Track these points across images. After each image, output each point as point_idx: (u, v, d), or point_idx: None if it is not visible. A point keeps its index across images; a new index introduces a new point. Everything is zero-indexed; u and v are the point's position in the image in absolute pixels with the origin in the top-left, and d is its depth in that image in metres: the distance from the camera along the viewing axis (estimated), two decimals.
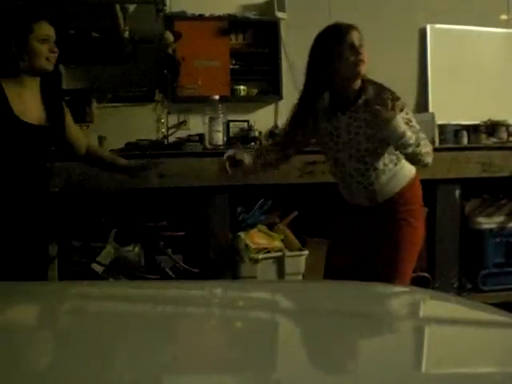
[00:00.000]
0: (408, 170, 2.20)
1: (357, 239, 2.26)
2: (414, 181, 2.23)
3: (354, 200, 2.23)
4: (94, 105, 3.47)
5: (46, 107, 2.20)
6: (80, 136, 2.41)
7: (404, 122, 2.01)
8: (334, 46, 2.03)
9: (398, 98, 2.01)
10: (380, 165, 2.13)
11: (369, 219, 2.22)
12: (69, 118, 2.33)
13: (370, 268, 2.20)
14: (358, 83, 2.09)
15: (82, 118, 3.35)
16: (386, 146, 2.10)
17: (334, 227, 2.38)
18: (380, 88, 2.10)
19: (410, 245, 2.18)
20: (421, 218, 2.25)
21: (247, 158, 2.18)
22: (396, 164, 2.16)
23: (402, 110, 2.02)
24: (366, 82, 2.11)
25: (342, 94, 2.11)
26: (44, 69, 2.14)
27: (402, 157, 2.13)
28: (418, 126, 2.09)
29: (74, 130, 2.36)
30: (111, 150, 3.18)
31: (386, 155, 2.13)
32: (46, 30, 2.14)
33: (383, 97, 2.00)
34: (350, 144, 2.12)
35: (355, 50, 2.01)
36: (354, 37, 2.03)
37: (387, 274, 2.14)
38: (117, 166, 2.45)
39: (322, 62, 2.06)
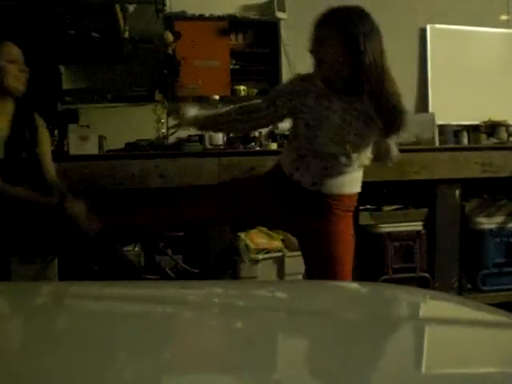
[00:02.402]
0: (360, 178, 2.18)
1: (268, 213, 2.20)
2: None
3: (297, 176, 2.13)
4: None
5: (13, 124, 2.23)
6: (49, 153, 2.42)
7: None
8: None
9: None
10: (354, 160, 2.09)
11: (299, 204, 2.14)
12: (41, 137, 2.35)
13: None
14: None
15: (75, 119, 3.37)
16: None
17: (257, 182, 2.30)
18: None
19: (345, 244, 2.16)
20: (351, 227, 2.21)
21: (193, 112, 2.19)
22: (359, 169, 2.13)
23: None
24: None
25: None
26: (14, 87, 2.17)
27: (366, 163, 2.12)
28: None
29: (45, 147, 2.37)
30: (111, 150, 3.19)
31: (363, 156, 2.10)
32: (13, 50, 2.18)
33: None
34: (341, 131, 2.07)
35: None
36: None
37: (320, 269, 2.13)
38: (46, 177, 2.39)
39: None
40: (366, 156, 2.11)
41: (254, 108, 2.14)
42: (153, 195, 2.93)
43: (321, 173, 2.09)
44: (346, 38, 1.96)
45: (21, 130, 2.25)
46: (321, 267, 2.13)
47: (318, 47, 1.99)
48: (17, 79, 2.16)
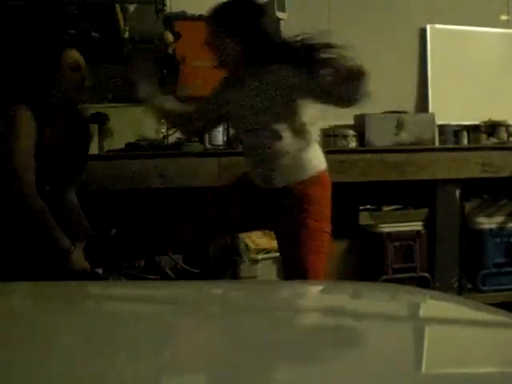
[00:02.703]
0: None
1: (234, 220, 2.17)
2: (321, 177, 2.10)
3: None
4: None
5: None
6: None
7: None
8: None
9: None
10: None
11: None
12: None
13: None
14: None
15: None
16: None
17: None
18: None
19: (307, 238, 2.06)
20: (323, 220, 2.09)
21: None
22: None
23: None
24: None
25: None
26: (76, 99, 2.13)
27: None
28: None
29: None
30: (111, 150, 3.19)
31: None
32: (76, 56, 2.12)
33: None
34: None
35: None
36: None
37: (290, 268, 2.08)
38: None
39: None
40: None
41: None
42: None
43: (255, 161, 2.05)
44: None
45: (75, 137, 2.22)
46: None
47: None
48: (78, 88, 2.12)
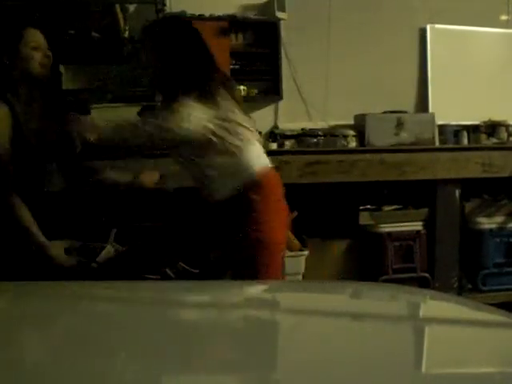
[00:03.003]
0: None
1: None
2: None
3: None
4: None
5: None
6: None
7: None
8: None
9: None
10: None
11: None
12: None
13: None
14: None
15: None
16: None
17: None
18: None
19: None
20: None
21: None
22: None
23: None
24: None
25: None
26: (40, 74, 2.14)
27: None
28: None
29: None
30: None
31: None
32: (36, 36, 2.14)
33: None
34: None
35: None
36: None
37: None
38: None
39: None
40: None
41: None
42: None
43: None
44: None
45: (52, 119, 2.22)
46: None
47: None
48: (42, 66, 2.14)
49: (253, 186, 1.97)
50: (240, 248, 1.99)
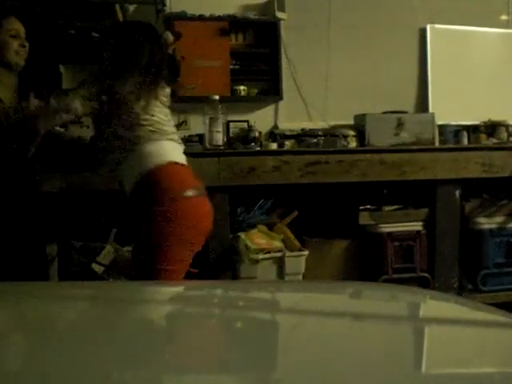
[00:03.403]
0: None
1: None
2: None
3: None
4: None
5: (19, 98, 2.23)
6: None
7: None
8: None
9: None
10: None
11: None
12: None
13: None
14: None
15: None
16: None
17: None
18: None
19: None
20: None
21: None
22: None
23: None
24: None
25: None
26: (15, 62, 2.18)
27: None
28: None
29: None
30: None
31: None
32: (15, 25, 2.18)
33: None
34: None
35: None
36: None
37: None
38: None
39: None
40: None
41: None
42: None
43: None
44: None
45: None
46: None
47: None
48: (17, 54, 2.18)
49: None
50: (146, 220, 2.17)
